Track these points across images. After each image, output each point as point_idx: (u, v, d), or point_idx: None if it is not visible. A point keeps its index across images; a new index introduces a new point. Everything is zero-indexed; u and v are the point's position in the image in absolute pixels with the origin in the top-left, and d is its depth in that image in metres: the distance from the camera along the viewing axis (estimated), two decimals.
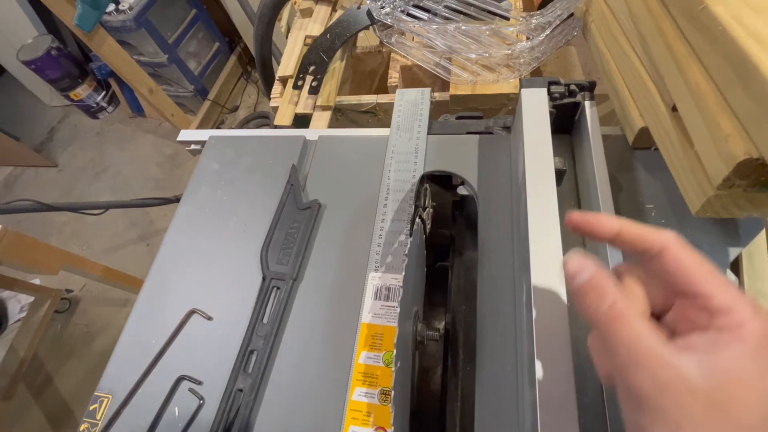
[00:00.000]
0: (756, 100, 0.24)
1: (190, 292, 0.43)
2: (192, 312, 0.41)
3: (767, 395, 0.15)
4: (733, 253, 0.38)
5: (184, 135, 0.57)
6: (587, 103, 0.41)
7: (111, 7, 1.42)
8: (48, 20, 1.77)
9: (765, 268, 0.65)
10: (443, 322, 0.50)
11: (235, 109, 1.95)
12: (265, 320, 0.40)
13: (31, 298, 1.35)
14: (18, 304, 1.46)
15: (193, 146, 0.57)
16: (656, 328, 0.18)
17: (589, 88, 0.41)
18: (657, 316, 0.20)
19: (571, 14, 0.56)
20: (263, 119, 1.75)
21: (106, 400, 0.38)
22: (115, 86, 1.93)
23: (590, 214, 0.21)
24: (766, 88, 0.23)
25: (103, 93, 1.97)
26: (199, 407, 0.37)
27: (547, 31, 0.55)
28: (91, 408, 0.38)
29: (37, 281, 1.48)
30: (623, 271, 0.21)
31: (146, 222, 1.68)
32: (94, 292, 1.56)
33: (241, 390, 0.37)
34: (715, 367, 0.16)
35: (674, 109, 0.34)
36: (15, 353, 1.26)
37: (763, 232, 0.67)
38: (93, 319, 1.50)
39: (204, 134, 0.55)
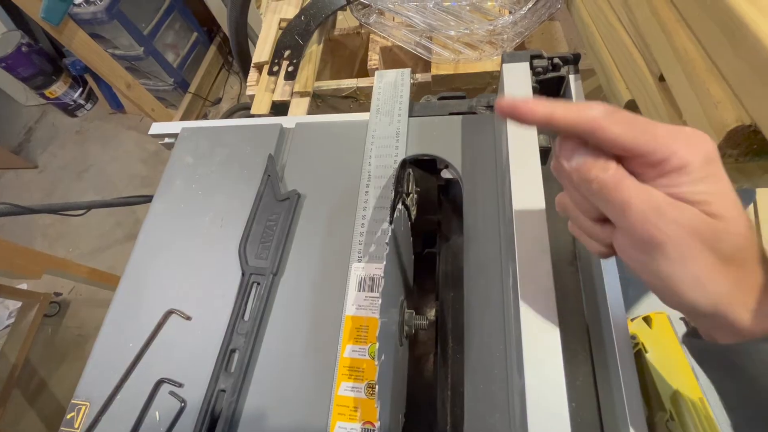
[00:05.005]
0: (747, 62, 0.22)
1: (167, 292, 0.41)
2: (170, 312, 0.40)
3: (741, 215, 0.18)
4: None
5: (156, 128, 0.54)
6: (572, 77, 0.39)
7: None
8: (16, 15, 1.70)
9: None
10: (434, 310, 0.49)
11: (218, 101, 1.89)
12: (245, 317, 0.38)
13: (19, 304, 1.32)
14: (6, 310, 1.44)
15: (166, 140, 0.54)
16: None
17: (574, 60, 0.39)
18: None
19: None
20: (247, 110, 1.71)
21: (83, 407, 0.37)
22: (91, 82, 1.87)
23: (519, 99, 0.21)
24: (758, 47, 0.21)
25: (80, 90, 1.90)
26: (181, 410, 0.35)
27: (530, 4, 0.53)
28: (68, 416, 0.37)
29: (24, 286, 1.45)
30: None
31: (133, 221, 1.65)
32: (83, 294, 1.53)
33: (223, 390, 0.35)
34: (707, 206, 0.18)
35: (661, 78, 0.33)
36: (6, 359, 1.24)
37: (751, 204, 0.66)
38: (84, 322, 1.48)
39: (176, 126, 0.53)
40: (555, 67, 0.39)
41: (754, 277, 0.19)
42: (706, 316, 0.20)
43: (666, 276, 0.19)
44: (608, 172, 0.19)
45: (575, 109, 0.19)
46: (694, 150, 0.18)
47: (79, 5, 1.36)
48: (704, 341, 0.21)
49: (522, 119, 0.20)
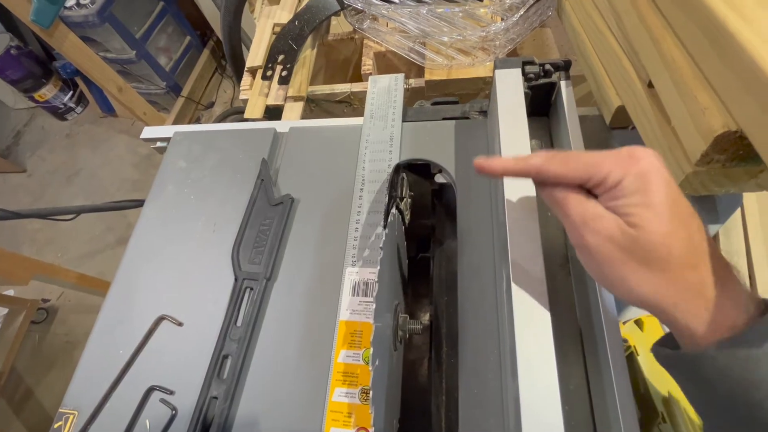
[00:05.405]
0: (733, 70, 0.23)
1: (159, 297, 0.41)
2: (161, 318, 0.39)
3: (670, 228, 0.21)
4: (712, 230, 0.38)
5: (148, 132, 0.54)
6: (563, 83, 0.40)
7: (71, 1, 1.35)
8: (5, 17, 1.68)
9: (741, 244, 0.66)
10: (428, 314, 0.49)
11: (211, 105, 1.89)
12: (238, 323, 0.38)
13: (5, 310, 1.30)
14: None
15: (159, 143, 0.54)
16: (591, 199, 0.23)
17: (565, 67, 0.40)
18: None
19: None
20: (241, 115, 1.70)
21: (71, 416, 0.36)
22: (82, 85, 1.85)
23: (484, 160, 0.26)
24: (743, 56, 0.22)
25: (70, 93, 1.88)
26: (172, 418, 0.35)
27: (522, 11, 0.53)
28: (55, 426, 0.36)
29: (11, 292, 1.42)
30: None
31: (124, 225, 1.63)
32: (72, 300, 1.50)
33: (215, 397, 0.35)
34: (630, 219, 0.21)
35: (650, 85, 0.33)
36: None
37: (738, 208, 0.68)
38: (73, 328, 1.46)
39: (169, 130, 0.53)
40: (546, 74, 0.40)
41: (682, 281, 0.21)
42: (652, 313, 0.22)
43: (601, 274, 0.23)
44: (556, 189, 0.24)
45: (521, 161, 0.25)
46: (626, 168, 0.21)
47: (70, 8, 1.35)
48: (669, 350, 0.22)
49: (488, 174, 0.26)
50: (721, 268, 0.21)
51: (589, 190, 0.23)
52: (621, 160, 0.22)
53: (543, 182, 0.25)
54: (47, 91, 1.80)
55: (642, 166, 0.21)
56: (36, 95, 1.79)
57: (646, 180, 0.21)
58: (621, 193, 0.21)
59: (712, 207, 0.38)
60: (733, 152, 0.26)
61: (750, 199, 0.67)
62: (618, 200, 0.21)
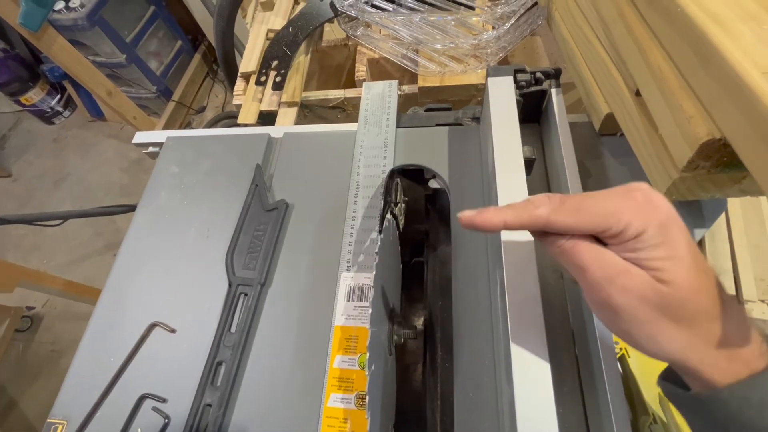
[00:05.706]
0: (716, 80, 0.24)
1: (151, 304, 0.40)
2: (153, 325, 0.39)
3: (697, 277, 0.19)
4: (698, 234, 0.39)
5: (140, 137, 0.54)
6: (554, 91, 0.41)
7: (60, 4, 1.34)
8: None
9: (726, 247, 0.68)
10: (422, 319, 0.49)
11: (202, 109, 1.87)
12: (232, 329, 0.38)
13: None
14: None
15: (150, 149, 0.54)
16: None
17: (555, 75, 0.41)
18: None
19: (535, 3, 0.56)
20: (232, 119, 1.69)
21: (60, 426, 0.35)
22: (70, 89, 1.82)
23: (474, 213, 0.23)
24: (725, 67, 0.22)
25: (58, 97, 1.85)
26: (165, 426, 0.34)
27: (512, 20, 0.55)
28: None
29: None
30: None
31: (112, 231, 1.60)
32: (58, 307, 1.47)
33: (209, 405, 0.35)
34: (659, 274, 0.19)
35: (638, 93, 0.34)
36: None
37: (723, 212, 0.69)
38: (59, 336, 1.42)
39: (161, 135, 0.52)
40: (537, 81, 0.41)
41: (707, 334, 0.20)
42: (670, 364, 0.21)
43: (624, 332, 0.21)
44: (561, 238, 0.21)
45: (524, 212, 0.22)
46: (647, 218, 0.20)
47: (59, 11, 1.34)
48: (678, 388, 0.22)
49: (482, 229, 0.23)
50: (737, 314, 0.20)
51: (597, 237, 0.21)
52: (640, 209, 0.20)
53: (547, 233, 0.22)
54: (34, 95, 1.77)
55: (662, 214, 0.20)
56: (22, 99, 1.76)
57: (668, 230, 0.20)
58: (643, 245, 0.20)
59: (698, 212, 0.39)
60: (717, 159, 0.27)
61: (734, 204, 0.69)
62: (639, 252, 0.20)
